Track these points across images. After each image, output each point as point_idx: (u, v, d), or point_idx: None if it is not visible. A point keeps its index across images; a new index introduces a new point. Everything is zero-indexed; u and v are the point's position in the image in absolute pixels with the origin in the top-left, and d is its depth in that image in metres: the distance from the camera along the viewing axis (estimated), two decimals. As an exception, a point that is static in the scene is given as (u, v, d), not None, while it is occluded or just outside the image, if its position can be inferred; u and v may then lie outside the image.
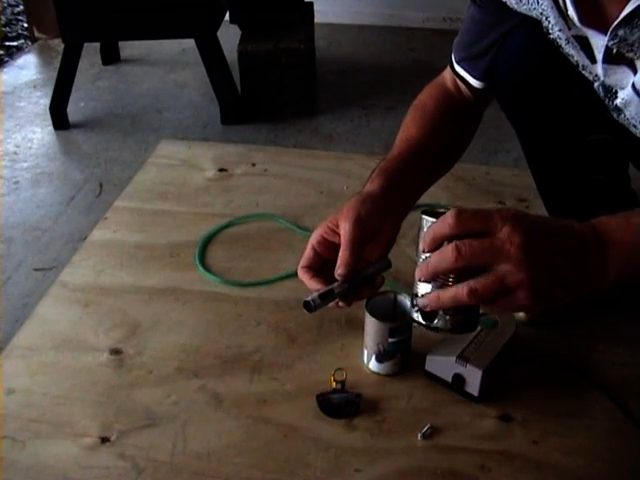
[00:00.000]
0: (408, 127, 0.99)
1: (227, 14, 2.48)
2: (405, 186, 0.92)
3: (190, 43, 2.37)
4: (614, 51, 0.76)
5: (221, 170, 1.52)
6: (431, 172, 1.00)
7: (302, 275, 0.87)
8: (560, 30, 0.83)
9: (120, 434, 0.95)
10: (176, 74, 2.74)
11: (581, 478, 0.90)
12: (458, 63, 1.01)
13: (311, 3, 2.64)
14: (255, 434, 0.95)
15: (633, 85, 0.77)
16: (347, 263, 0.83)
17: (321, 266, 0.88)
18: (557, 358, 1.05)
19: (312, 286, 0.86)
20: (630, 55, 0.74)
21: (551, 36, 0.85)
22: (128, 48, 2.86)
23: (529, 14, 0.86)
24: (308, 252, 0.88)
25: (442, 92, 1.04)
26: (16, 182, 2.08)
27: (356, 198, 0.87)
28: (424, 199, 1.39)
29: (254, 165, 1.53)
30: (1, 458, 0.92)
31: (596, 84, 0.85)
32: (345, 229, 0.84)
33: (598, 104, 0.87)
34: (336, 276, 0.84)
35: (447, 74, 1.05)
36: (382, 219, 0.87)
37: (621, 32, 0.72)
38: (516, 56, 0.96)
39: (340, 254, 0.84)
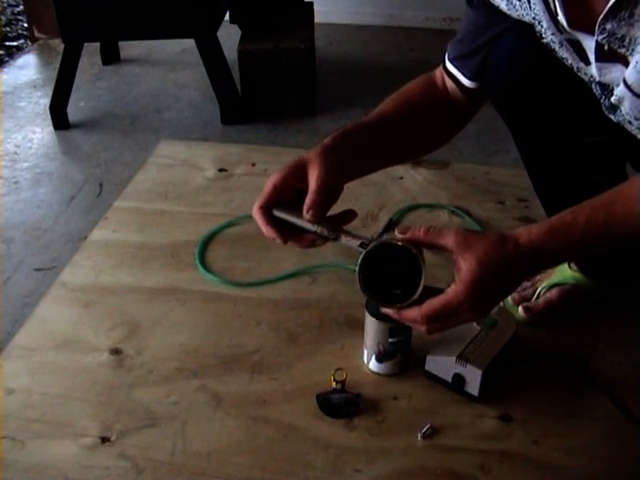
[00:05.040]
0: (386, 103, 1.00)
1: (227, 14, 2.48)
2: (361, 152, 0.93)
3: (190, 43, 2.36)
4: (605, 48, 0.76)
5: (221, 170, 1.52)
6: (397, 150, 1.01)
7: (258, 215, 0.86)
8: (553, 34, 0.83)
9: (120, 434, 0.95)
10: (176, 74, 2.74)
11: (581, 478, 0.90)
12: (451, 61, 1.01)
13: (311, 3, 2.63)
14: (255, 434, 0.95)
15: (624, 80, 0.77)
16: (319, 205, 0.84)
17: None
18: (557, 358, 1.05)
19: (267, 232, 0.86)
20: (622, 51, 0.74)
21: (544, 40, 0.85)
22: (128, 48, 2.86)
23: (522, 19, 0.86)
24: (269, 191, 0.86)
25: (428, 84, 1.04)
26: (16, 182, 2.08)
27: (320, 150, 0.88)
28: (425, 199, 1.40)
29: (254, 165, 1.53)
30: (1, 458, 0.92)
31: (593, 84, 0.85)
32: (316, 175, 0.85)
33: (593, 105, 0.87)
34: (308, 216, 0.84)
35: (438, 71, 1.05)
36: (340, 176, 0.89)
37: (609, 25, 0.72)
38: (508, 59, 0.96)
39: (311, 197, 0.84)
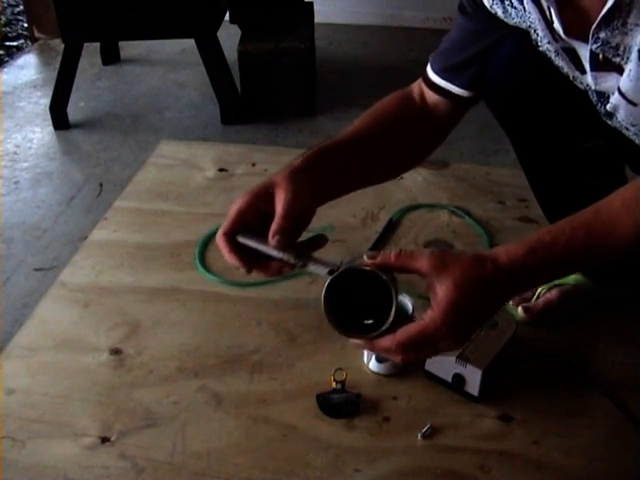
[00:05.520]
0: (360, 120, 0.95)
1: (227, 14, 2.48)
2: (335, 173, 0.88)
3: (190, 43, 2.36)
4: (600, 57, 0.75)
5: (221, 170, 1.52)
6: (370, 169, 0.95)
7: (221, 242, 0.81)
8: (549, 42, 0.82)
9: (120, 434, 0.95)
10: (176, 74, 2.74)
11: (581, 478, 0.90)
12: (438, 73, 0.96)
13: (311, 3, 2.63)
14: (255, 434, 0.95)
15: (619, 88, 0.77)
16: (286, 230, 0.79)
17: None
18: (557, 358, 1.05)
19: (231, 260, 0.80)
20: (617, 60, 0.74)
21: (540, 48, 0.85)
22: (128, 48, 2.86)
23: (519, 26, 0.86)
24: (233, 216, 0.81)
25: (405, 99, 0.99)
26: (16, 182, 2.08)
27: (289, 172, 0.83)
28: (425, 199, 1.40)
29: (254, 165, 1.53)
30: (1, 458, 0.92)
31: (589, 92, 0.85)
32: (283, 199, 0.80)
33: (592, 111, 0.86)
34: (273, 242, 0.78)
35: (415, 87, 1.00)
36: (311, 200, 0.84)
37: (602, 34, 0.72)
38: (507, 65, 0.94)
39: (277, 222, 0.79)
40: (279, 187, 0.81)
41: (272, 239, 0.78)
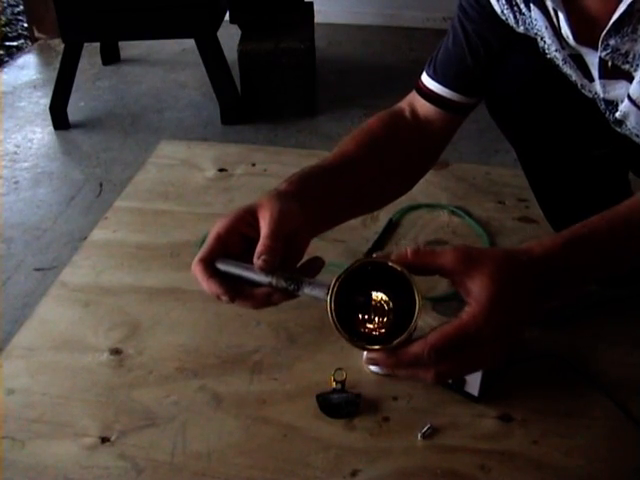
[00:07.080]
0: (346, 142, 0.89)
1: (227, 14, 2.48)
2: (322, 198, 0.81)
3: (190, 43, 2.37)
4: (609, 64, 0.75)
5: (221, 170, 1.52)
6: (363, 193, 0.88)
7: (197, 270, 0.72)
8: (556, 50, 0.82)
9: (120, 434, 0.95)
10: (176, 74, 2.74)
11: (581, 478, 0.90)
12: (440, 81, 0.92)
13: (311, 3, 2.64)
14: (255, 434, 0.95)
15: (629, 95, 0.76)
16: (273, 250, 0.70)
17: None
18: (557, 358, 1.05)
19: (210, 288, 0.71)
20: (626, 67, 0.74)
21: (548, 56, 0.85)
22: (128, 48, 2.86)
23: (528, 34, 0.85)
24: (212, 242, 0.73)
25: (393, 116, 0.94)
26: (16, 182, 2.08)
27: (275, 193, 0.77)
28: (425, 199, 1.40)
29: (254, 165, 1.53)
30: (1, 458, 0.92)
31: (597, 100, 0.84)
32: (269, 218, 0.72)
33: (599, 118, 0.86)
34: (259, 262, 0.70)
35: (405, 103, 0.96)
36: (302, 225, 0.76)
37: (612, 41, 0.72)
38: (514, 74, 0.93)
39: (263, 242, 0.71)
40: (264, 207, 0.73)
41: (257, 259, 0.70)
